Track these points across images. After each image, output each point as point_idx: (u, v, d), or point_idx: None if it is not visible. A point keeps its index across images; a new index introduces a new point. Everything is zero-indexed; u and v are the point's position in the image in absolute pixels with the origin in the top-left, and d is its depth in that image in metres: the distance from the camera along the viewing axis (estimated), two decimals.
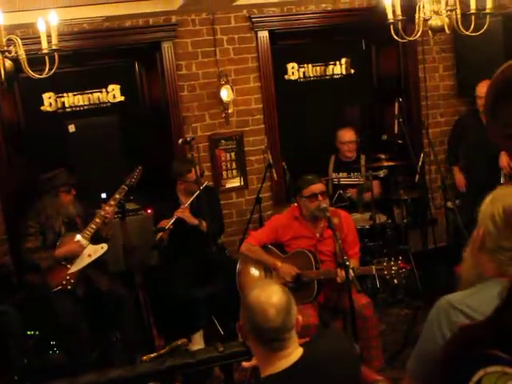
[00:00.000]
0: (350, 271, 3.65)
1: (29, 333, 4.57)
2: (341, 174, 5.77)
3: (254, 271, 4.43)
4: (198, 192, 4.65)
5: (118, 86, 5.67)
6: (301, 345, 2.11)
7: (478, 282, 1.73)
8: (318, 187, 4.25)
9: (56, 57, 3.22)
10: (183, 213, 4.78)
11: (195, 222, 4.81)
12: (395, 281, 4.08)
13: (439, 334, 1.69)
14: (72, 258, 4.45)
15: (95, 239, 4.51)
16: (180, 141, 4.73)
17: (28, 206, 4.63)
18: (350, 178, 5.69)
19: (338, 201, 5.49)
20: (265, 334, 2.01)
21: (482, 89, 5.21)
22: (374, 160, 5.51)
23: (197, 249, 4.78)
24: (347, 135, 5.75)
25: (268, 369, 2.04)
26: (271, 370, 2.03)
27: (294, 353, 2.06)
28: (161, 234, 4.70)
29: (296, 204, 4.48)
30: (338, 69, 6.33)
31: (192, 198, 4.78)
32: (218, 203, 5.30)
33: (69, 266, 4.44)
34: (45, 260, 4.40)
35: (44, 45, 3.18)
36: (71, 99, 5.55)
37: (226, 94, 5.52)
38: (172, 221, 4.73)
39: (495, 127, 1.57)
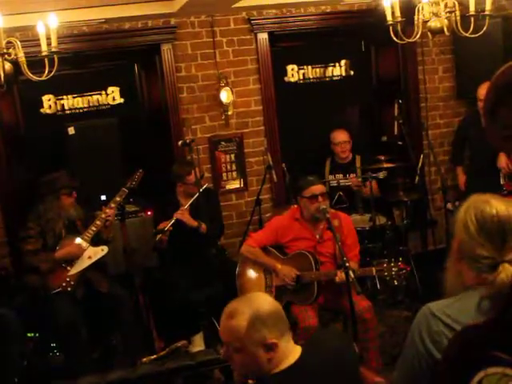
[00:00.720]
0: (350, 272, 3.65)
1: (29, 335, 4.57)
2: (337, 176, 5.77)
3: (254, 273, 4.43)
4: (197, 194, 4.65)
5: (118, 89, 5.68)
6: (300, 344, 2.13)
7: (462, 290, 1.74)
8: (318, 188, 4.26)
9: (55, 59, 3.22)
10: (182, 214, 4.78)
11: (194, 223, 4.80)
12: (395, 282, 4.08)
13: (419, 341, 1.70)
14: (72, 260, 4.45)
15: (96, 241, 4.51)
16: (180, 143, 4.73)
17: (28, 208, 4.62)
18: (347, 179, 5.69)
19: (338, 202, 5.49)
20: (283, 324, 2.10)
21: (483, 91, 5.20)
22: (374, 161, 5.51)
23: (196, 251, 4.78)
24: (339, 136, 5.75)
25: (275, 368, 2.05)
26: (277, 368, 2.05)
27: (294, 351, 2.09)
28: (160, 235, 4.69)
29: (296, 205, 4.48)
30: (338, 70, 6.33)
31: (191, 200, 4.78)
32: (217, 205, 5.30)
33: (69, 267, 4.43)
34: (45, 262, 4.40)
35: (43, 47, 3.18)
36: (71, 101, 5.55)
37: (225, 95, 5.52)
38: (171, 222, 4.72)
39: (494, 129, 1.57)
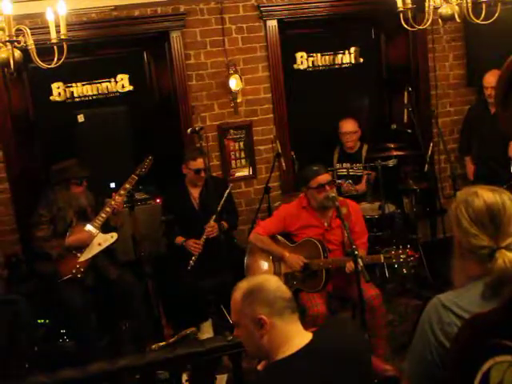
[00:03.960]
0: (359, 260, 3.65)
1: (39, 321, 4.61)
2: (344, 165, 5.75)
3: (262, 261, 4.44)
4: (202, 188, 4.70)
5: (127, 76, 5.67)
6: (312, 331, 2.13)
7: (468, 282, 1.75)
8: (324, 177, 4.23)
9: (65, 46, 3.22)
10: (212, 232, 4.79)
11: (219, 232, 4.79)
12: (404, 270, 4.07)
13: (430, 332, 1.71)
14: (82, 246, 4.47)
15: (105, 229, 4.53)
16: (189, 130, 4.73)
17: (38, 195, 4.65)
18: (352, 168, 5.66)
19: (346, 191, 5.48)
20: (279, 303, 2.09)
21: (489, 79, 5.18)
22: (383, 149, 5.49)
23: (206, 238, 4.80)
24: (346, 126, 5.72)
25: (279, 351, 2.05)
26: (282, 351, 2.05)
27: (301, 335, 2.09)
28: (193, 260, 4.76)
29: (303, 194, 4.47)
30: (347, 58, 6.29)
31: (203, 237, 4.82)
32: (231, 196, 5.28)
33: (79, 254, 4.46)
34: (55, 249, 4.43)
35: (53, 35, 3.18)
36: (80, 89, 5.55)
37: (234, 83, 5.51)
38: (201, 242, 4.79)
39: (506, 116, 1.56)
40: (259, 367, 2.25)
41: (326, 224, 4.32)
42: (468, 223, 1.71)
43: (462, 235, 1.72)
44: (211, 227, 4.78)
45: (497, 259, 1.64)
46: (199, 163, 4.80)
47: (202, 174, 4.84)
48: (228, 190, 4.89)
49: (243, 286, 2.15)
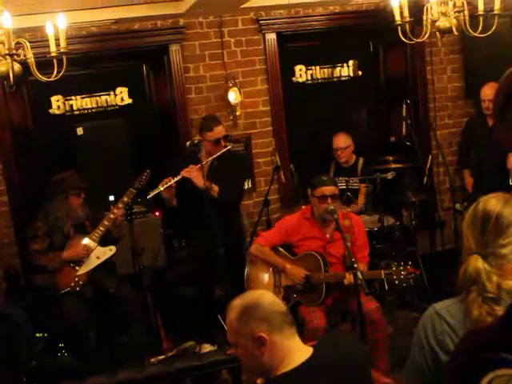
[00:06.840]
0: (359, 274, 3.64)
1: (37, 335, 4.59)
2: (341, 179, 5.71)
3: (263, 273, 4.42)
4: (217, 154, 4.49)
5: (126, 89, 5.69)
6: (312, 345, 2.12)
7: None
8: (329, 190, 4.21)
9: (64, 60, 3.23)
10: (190, 172, 4.41)
11: (201, 183, 4.36)
12: (404, 284, 4.06)
13: (425, 340, 1.71)
14: (80, 260, 4.46)
15: (106, 240, 4.52)
16: (188, 143, 4.72)
17: (36, 208, 4.64)
18: (349, 182, 5.63)
19: (346, 203, 5.47)
20: (277, 318, 2.05)
21: (486, 91, 5.19)
22: (382, 162, 5.49)
23: (210, 249, 4.51)
24: (337, 142, 5.63)
25: (280, 366, 2.04)
26: (283, 366, 2.03)
27: (301, 350, 2.07)
28: (155, 192, 4.39)
29: (304, 206, 4.46)
30: (346, 71, 6.32)
31: (207, 160, 4.51)
32: (237, 168, 4.93)
33: (77, 267, 4.45)
34: (51, 262, 4.42)
35: (52, 48, 3.19)
36: (79, 102, 5.56)
37: (233, 96, 5.52)
38: (176, 179, 4.38)
39: (504, 129, 1.56)
40: (258, 382, 2.23)
41: (327, 236, 4.31)
42: (466, 224, 1.73)
43: (464, 234, 1.73)
44: (192, 168, 4.44)
45: (466, 262, 1.65)
46: (217, 133, 4.57)
47: (222, 143, 4.58)
48: (224, 150, 4.51)
49: (237, 305, 2.10)
